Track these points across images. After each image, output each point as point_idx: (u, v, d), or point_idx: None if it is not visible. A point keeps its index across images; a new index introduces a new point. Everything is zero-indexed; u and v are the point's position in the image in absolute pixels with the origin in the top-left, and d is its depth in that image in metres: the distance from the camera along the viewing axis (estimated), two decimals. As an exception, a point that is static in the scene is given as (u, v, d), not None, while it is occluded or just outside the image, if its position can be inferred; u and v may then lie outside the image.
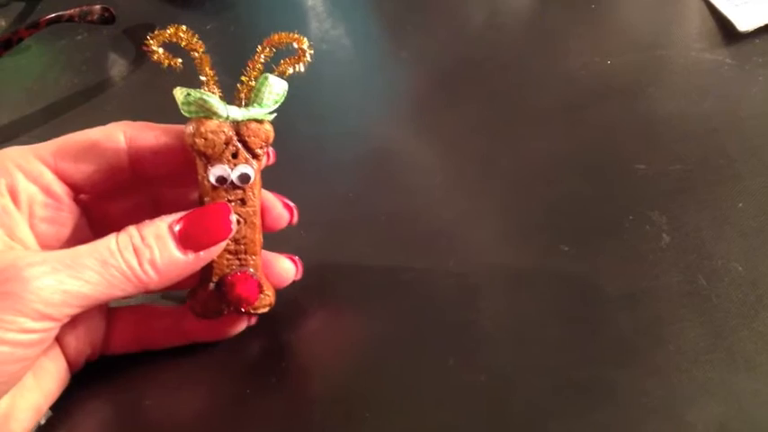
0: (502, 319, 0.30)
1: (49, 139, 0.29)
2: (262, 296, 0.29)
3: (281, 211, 0.30)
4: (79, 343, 0.29)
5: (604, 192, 0.35)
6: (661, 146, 0.36)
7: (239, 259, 0.29)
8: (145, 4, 0.56)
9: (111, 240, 0.25)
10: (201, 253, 0.27)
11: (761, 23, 0.40)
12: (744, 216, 0.32)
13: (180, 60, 0.27)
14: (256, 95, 0.28)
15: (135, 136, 0.28)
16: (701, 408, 0.26)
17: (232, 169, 0.28)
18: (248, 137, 0.28)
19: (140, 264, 0.25)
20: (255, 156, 0.28)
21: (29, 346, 0.24)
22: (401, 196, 0.37)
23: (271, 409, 0.29)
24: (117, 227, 0.26)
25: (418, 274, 0.33)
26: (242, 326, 0.31)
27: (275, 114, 0.29)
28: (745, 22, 0.41)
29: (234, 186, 0.28)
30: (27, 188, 0.27)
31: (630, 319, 0.29)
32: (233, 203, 0.28)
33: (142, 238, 0.26)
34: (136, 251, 0.25)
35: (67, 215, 0.29)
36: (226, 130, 0.27)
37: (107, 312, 0.30)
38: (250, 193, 0.28)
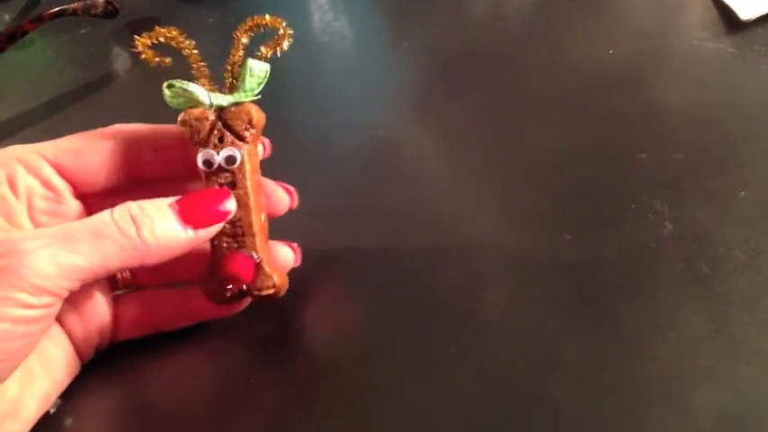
0: (504, 308, 0.30)
1: (54, 131, 0.30)
2: (263, 277, 0.29)
3: (281, 195, 0.31)
4: (86, 331, 0.29)
5: (606, 181, 0.35)
6: (663, 135, 0.36)
7: (237, 242, 0.29)
8: (148, -2, 0.56)
9: (104, 213, 0.26)
10: (200, 231, 0.27)
11: (763, 12, 0.40)
12: (746, 204, 0.32)
13: (168, 59, 0.28)
14: (240, 81, 0.29)
15: (134, 135, 0.29)
16: (703, 394, 0.26)
17: (218, 153, 0.28)
18: (230, 120, 0.28)
19: (138, 231, 0.25)
20: (241, 138, 0.29)
21: (29, 322, 0.24)
22: (404, 186, 0.37)
23: (275, 398, 0.29)
24: None
25: (421, 263, 0.33)
26: (244, 303, 0.31)
27: (258, 96, 0.29)
28: (747, 10, 0.41)
29: (222, 169, 0.29)
30: (26, 180, 0.28)
31: (632, 306, 0.29)
32: (223, 186, 0.29)
33: (141, 209, 0.26)
34: (134, 219, 0.26)
35: (67, 209, 0.29)
36: (209, 116, 0.28)
37: (112, 299, 0.31)
38: (240, 176, 0.29)
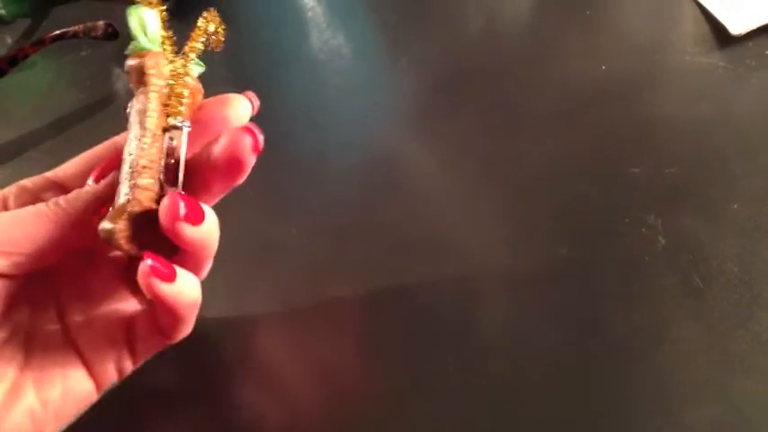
0: (501, 323, 0.31)
1: (57, 152, 0.30)
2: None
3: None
4: (104, 363, 0.27)
5: (601, 195, 0.35)
6: (656, 149, 0.37)
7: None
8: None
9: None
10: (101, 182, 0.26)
11: (753, 26, 0.41)
12: (738, 217, 0.33)
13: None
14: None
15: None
16: (697, 407, 0.26)
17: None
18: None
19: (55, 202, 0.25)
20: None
21: None
22: (402, 203, 0.37)
23: (272, 412, 0.29)
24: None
25: (420, 280, 0.33)
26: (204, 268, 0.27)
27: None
28: (737, 25, 0.41)
29: None
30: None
31: (627, 320, 0.30)
32: None
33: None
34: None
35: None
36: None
37: (127, 323, 0.28)
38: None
